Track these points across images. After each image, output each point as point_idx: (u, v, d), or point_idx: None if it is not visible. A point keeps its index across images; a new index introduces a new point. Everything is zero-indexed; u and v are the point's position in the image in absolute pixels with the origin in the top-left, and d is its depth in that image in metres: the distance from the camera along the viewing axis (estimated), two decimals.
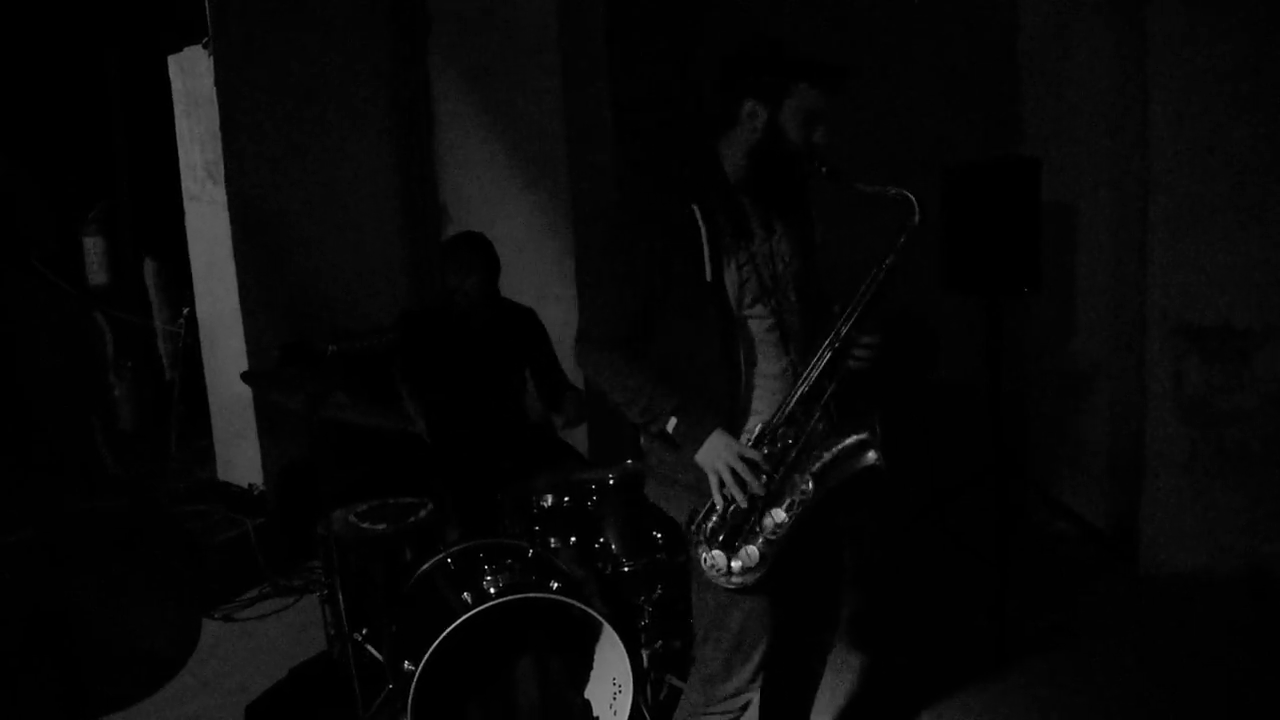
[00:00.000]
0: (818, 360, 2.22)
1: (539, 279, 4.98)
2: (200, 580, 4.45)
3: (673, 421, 2.23)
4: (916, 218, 2.18)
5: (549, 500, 3.28)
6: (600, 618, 2.91)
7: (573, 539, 3.24)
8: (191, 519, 5.05)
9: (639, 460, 3.34)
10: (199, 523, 5.02)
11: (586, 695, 3.10)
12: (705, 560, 2.24)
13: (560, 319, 4.53)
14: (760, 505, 2.22)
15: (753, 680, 2.38)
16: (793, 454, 2.23)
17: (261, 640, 4.01)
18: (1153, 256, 4.14)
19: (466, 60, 5.32)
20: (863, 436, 2.21)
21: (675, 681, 3.17)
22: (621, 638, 2.90)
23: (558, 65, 5.06)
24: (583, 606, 2.89)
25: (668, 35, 5.88)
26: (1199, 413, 4.13)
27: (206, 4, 4.71)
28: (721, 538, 2.23)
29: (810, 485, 2.21)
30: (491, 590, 2.88)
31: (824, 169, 2.25)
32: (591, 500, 3.26)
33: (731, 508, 2.22)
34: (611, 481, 3.26)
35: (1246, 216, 3.98)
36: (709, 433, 2.21)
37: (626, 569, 3.17)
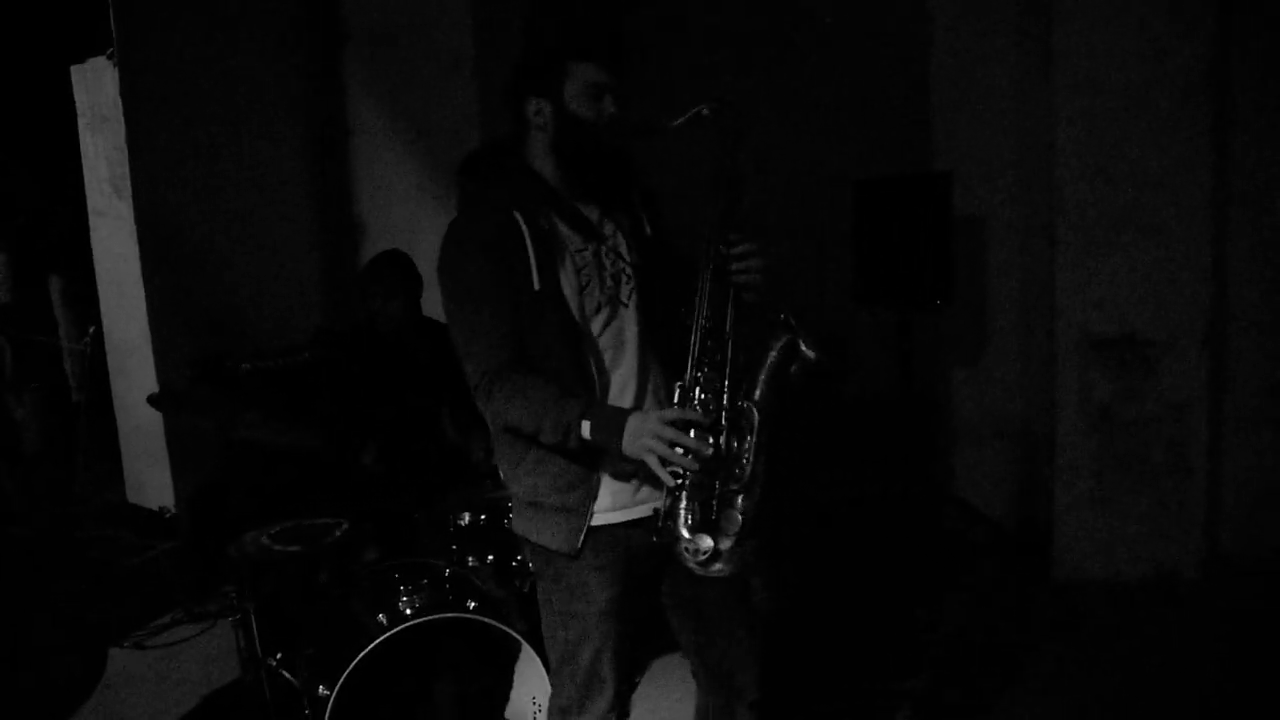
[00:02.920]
0: (701, 291, 2.07)
1: None
2: (108, 607, 4.34)
3: (586, 425, 2.03)
4: (714, 107, 2.04)
5: (466, 519, 3.26)
6: (519, 636, 2.88)
7: (490, 557, 3.21)
8: (99, 544, 4.92)
9: None
10: (107, 548, 4.89)
11: (506, 715, 3.08)
12: (688, 549, 2.00)
13: None
14: (715, 463, 2.00)
15: (610, 711, 2.24)
16: (725, 395, 2.04)
17: (173, 668, 3.89)
18: (1060, 269, 4.24)
19: (383, 75, 5.28)
20: (787, 338, 2.04)
21: None
22: (540, 656, 2.88)
23: (474, 79, 5.04)
24: (501, 625, 2.86)
25: None
26: (1105, 421, 4.23)
27: (111, 13, 4.60)
28: (696, 519, 2.01)
29: (756, 413, 2.02)
30: (408, 611, 2.85)
31: (638, 125, 2.12)
32: (508, 518, 3.23)
33: (687, 481, 2.00)
34: None
35: (1145, 230, 4.10)
36: (626, 418, 2.02)
37: None
